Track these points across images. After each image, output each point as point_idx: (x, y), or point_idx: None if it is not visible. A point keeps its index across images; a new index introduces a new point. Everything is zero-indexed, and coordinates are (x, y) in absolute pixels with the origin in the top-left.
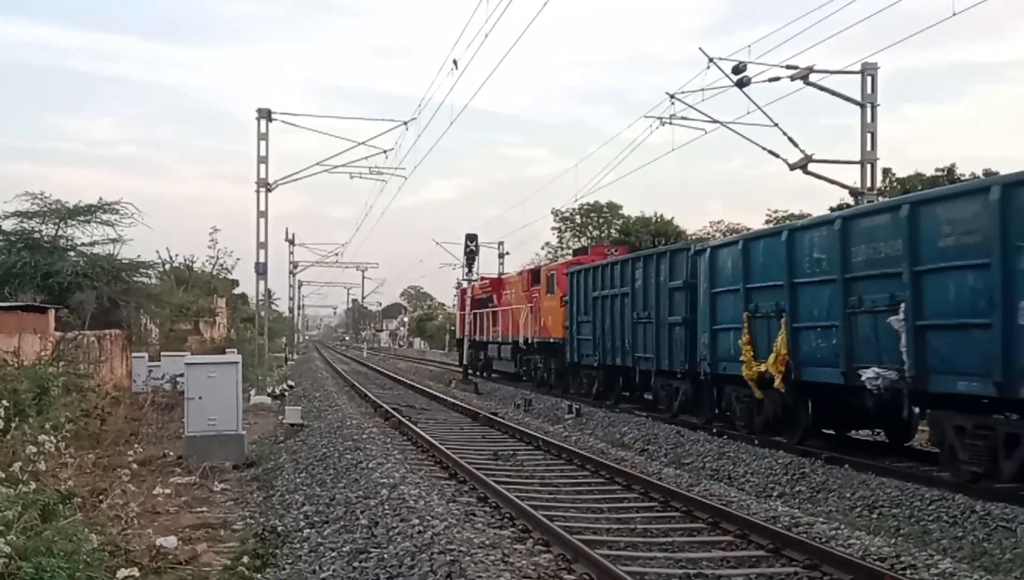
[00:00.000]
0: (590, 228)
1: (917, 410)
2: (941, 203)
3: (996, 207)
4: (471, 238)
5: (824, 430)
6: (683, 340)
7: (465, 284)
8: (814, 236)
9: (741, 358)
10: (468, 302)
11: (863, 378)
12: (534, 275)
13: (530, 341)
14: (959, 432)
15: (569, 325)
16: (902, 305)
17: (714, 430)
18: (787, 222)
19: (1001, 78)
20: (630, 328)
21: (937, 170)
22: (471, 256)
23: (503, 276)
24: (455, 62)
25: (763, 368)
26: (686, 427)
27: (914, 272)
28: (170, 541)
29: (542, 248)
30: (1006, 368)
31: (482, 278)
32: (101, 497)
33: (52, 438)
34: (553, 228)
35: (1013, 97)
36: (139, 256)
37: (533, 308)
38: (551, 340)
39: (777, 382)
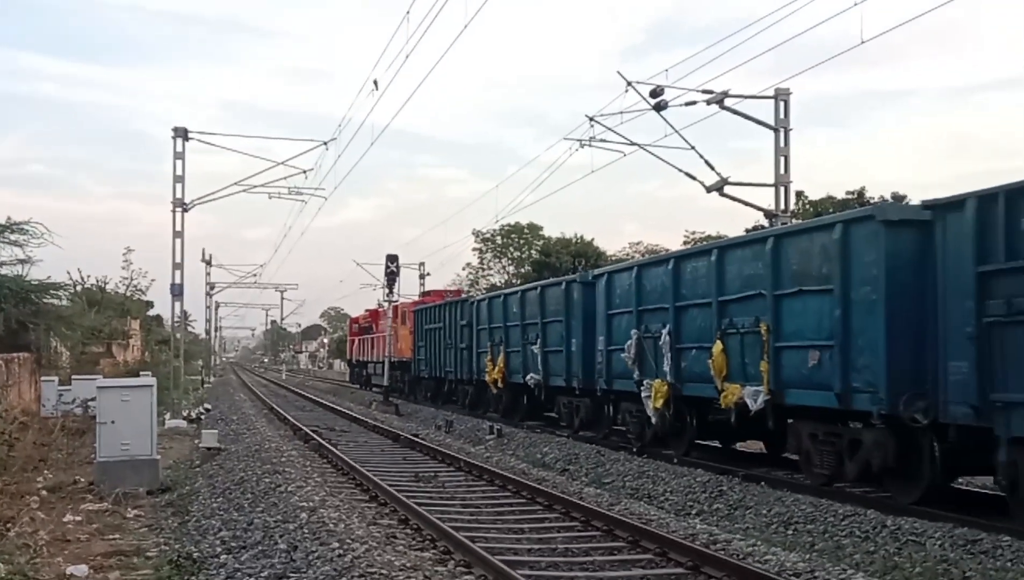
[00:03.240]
0: (511, 249)
1: (791, 421)
2: (797, 237)
3: (836, 243)
4: (392, 259)
5: (706, 442)
6: (467, 358)
7: (386, 305)
8: (697, 264)
9: (634, 376)
10: (356, 329)
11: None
12: (396, 311)
13: (393, 361)
14: (813, 439)
15: (415, 348)
16: (763, 326)
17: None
18: (679, 249)
19: (905, 105)
20: (443, 351)
21: (848, 193)
22: (392, 277)
23: (379, 309)
24: (375, 83)
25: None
26: (593, 444)
27: (775, 296)
28: (81, 570)
29: (463, 268)
30: (843, 383)
31: (367, 311)
32: (9, 525)
33: None
34: (474, 249)
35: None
36: (49, 277)
37: (395, 336)
38: (404, 359)
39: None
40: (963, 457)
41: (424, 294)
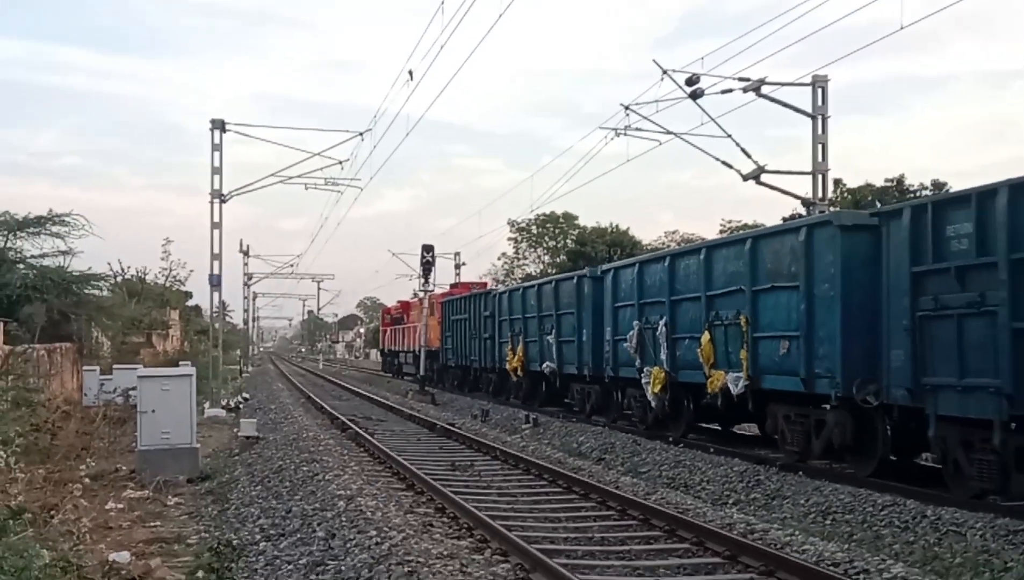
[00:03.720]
0: (546, 238)
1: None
2: (771, 238)
3: (801, 244)
4: (428, 249)
5: (707, 425)
6: (490, 347)
7: (422, 294)
8: (689, 261)
9: (636, 364)
10: (388, 320)
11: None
12: (430, 301)
13: (422, 350)
14: (787, 420)
15: (442, 338)
16: (743, 318)
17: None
18: (675, 248)
19: (944, 91)
20: (468, 340)
21: (886, 181)
22: (428, 267)
23: (411, 301)
24: (411, 73)
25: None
26: (641, 436)
27: (752, 292)
28: (123, 556)
29: (499, 258)
30: (807, 369)
31: (399, 302)
32: (52, 512)
33: (2, 453)
34: (509, 238)
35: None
36: (90, 268)
37: (428, 326)
38: (433, 349)
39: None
40: (907, 435)
41: (453, 286)
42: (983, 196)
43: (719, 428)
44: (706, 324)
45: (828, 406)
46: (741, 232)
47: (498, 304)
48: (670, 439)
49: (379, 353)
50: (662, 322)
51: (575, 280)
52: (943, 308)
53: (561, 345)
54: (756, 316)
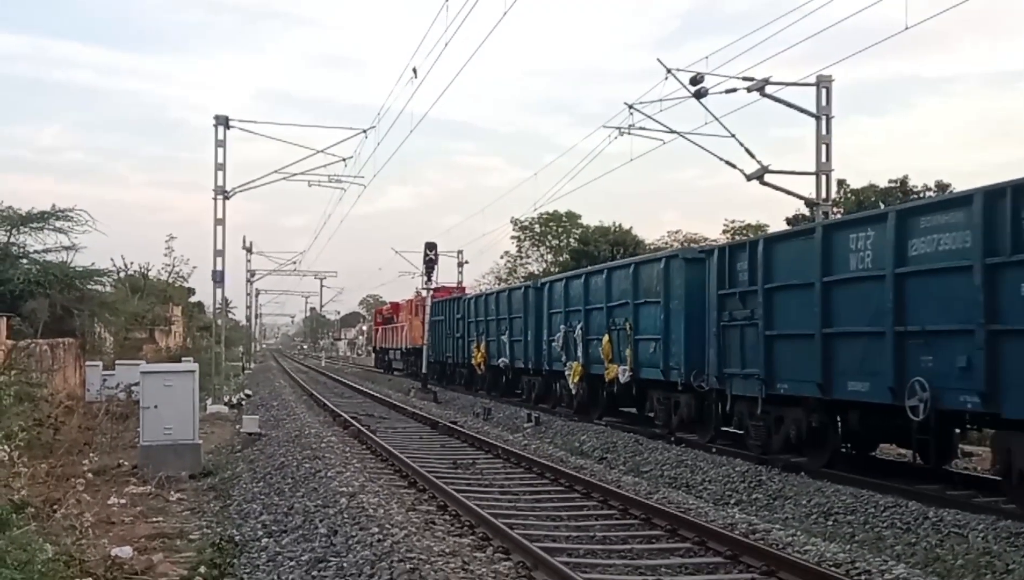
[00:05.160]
0: (549, 237)
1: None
2: (646, 264)
3: (661, 270)
4: (430, 247)
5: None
6: (461, 345)
7: (424, 293)
8: (598, 278)
9: (562, 359)
10: (380, 320)
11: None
12: (412, 305)
13: (408, 348)
14: (658, 402)
15: (425, 337)
16: (628, 324)
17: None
18: (589, 267)
19: (949, 91)
20: (444, 339)
21: (890, 182)
22: (431, 265)
23: (401, 302)
24: (415, 71)
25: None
26: (641, 435)
27: (634, 304)
28: (126, 551)
29: (501, 257)
30: (665, 363)
31: (390, 303)
32: (55, 507)
33: (5, 448)
34: (512, 237)
35: (960, 110)
36: (93, 264)
37: (411, 325)
38: (418, 346)
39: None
40: (731, 411)
41: (436, 289)
42: (751, 245)
43: (635, 411)
44: (607, 328)
45: (679, 390)
46: (630, 258)
47: (467, 308)
48: (592, 420)
49: (372, 351)
50: (579, 326)
51: (523, 290)
52: (733, 320)
53: (513, 344)
54: (637, 323)
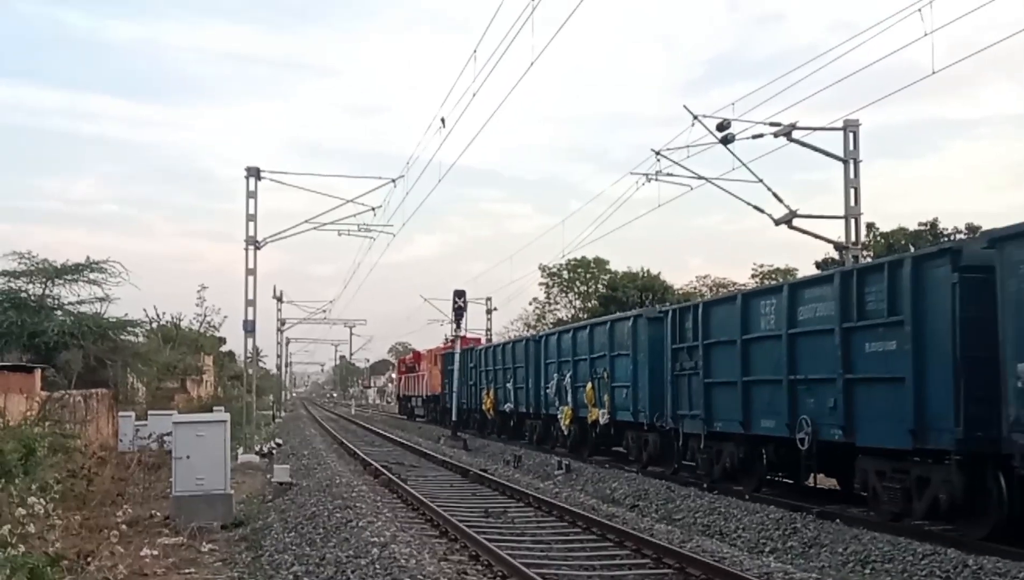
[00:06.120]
0: (577, 283)
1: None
2: (619, 322)
3: (631, 327)
4: (459, 294)
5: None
6: (474, 392)
7: (454, 340)
8: (582, 333)
9: (556, 404)
10: (404, 369)
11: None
12: (431, 355)
13: (428, 395)
14: (633, 440)
15: (442, 385)
16: (606, 373)
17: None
18: (577, 322)
19: (974, 134)
20: (459, 388)
21: (920, 225)
22: (459, 312)
23: (422, 351)
24: (443, 120)
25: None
26: (675, 483)
27: (611, 356)
28: None
29: (530, 303)
30: (635, 407)
31: (412, 352)
32: (89, 559)
33: (41, 500)
34: (541, 283)
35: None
36: (126, 315)
37: (431, 374)
38: (436, 394)
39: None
40: (684, 446)
41: (452, 341)
42: (694, 308)
43: (624, 451)
44: (590, 376)
45: (646, 430)
46: (608, 316)
47: (479, 358)
48: (583, 459)
49: (396, 398)
50: (568, 374)
51: (524, 342)
52: (683, 370)
53: (517, 390)
54: (613, 372)
